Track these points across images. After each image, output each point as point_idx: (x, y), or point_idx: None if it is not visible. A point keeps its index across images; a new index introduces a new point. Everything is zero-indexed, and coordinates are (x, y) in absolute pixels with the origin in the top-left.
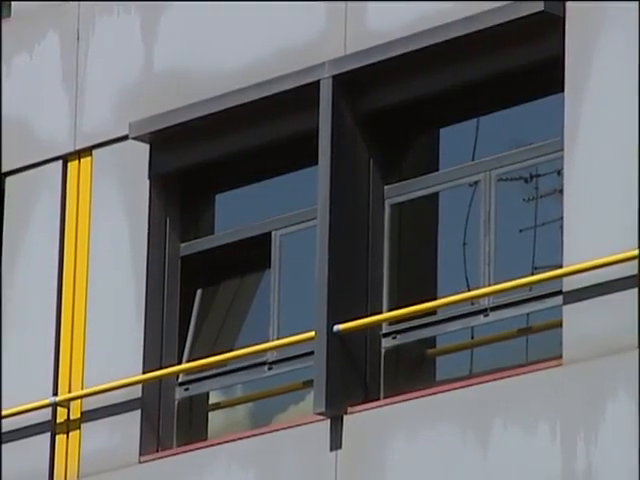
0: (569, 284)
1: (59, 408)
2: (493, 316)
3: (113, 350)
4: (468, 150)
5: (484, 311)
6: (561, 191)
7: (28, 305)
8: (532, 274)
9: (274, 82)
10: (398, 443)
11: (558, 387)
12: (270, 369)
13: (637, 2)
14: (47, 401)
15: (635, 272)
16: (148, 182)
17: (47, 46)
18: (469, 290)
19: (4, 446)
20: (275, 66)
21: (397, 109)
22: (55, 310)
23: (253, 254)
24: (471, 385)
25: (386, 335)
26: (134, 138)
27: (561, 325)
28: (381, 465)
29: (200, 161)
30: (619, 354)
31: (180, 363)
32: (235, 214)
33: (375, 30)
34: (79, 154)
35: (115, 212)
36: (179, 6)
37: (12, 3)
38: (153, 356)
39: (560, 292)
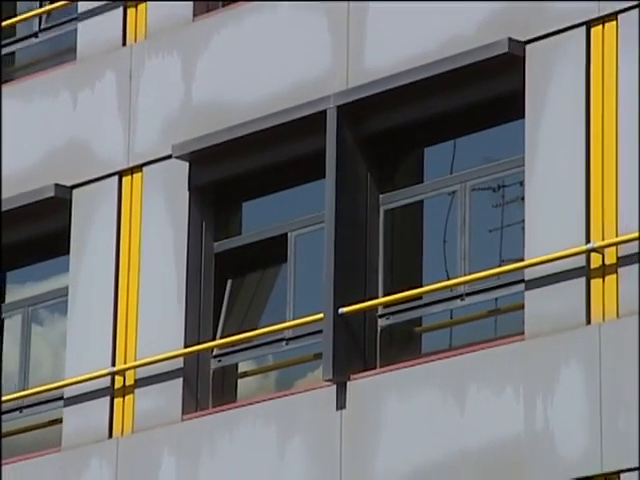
0: (529, 274)
1: (116, 377)
2: (468, 300)
3: (160, 329)
4: (447, 166)
5: (460, 296)
6: (523, 199)
7: (91, 293)
8: (499, 266)
9: (289, 111)
10: (391, 403)
11: (521, 358)
12: (287, 344)
13: (584, 46)
14: (107, 370)
15: (583, 264)
16: (188, 193)
17: (106, 82)
18: (448, 279)
19: (70, 408)
20: (290, 98)
21: (390, 132)
22: (113, 297)
23: (273, 251)
24: (450, 357)
25: (381, 316)
26: (176, 157)
27: (523, 307)
28: (377, 421)
29: (230, 175)
30: (570, 330)
31: (214, 339)
32: (258, 218)
33: (371, 68)
34: (132, 170)
35: (161, 217)
36: (211, 50)
37: (78, 47)
38: (192, 334)
39: (522, 281)
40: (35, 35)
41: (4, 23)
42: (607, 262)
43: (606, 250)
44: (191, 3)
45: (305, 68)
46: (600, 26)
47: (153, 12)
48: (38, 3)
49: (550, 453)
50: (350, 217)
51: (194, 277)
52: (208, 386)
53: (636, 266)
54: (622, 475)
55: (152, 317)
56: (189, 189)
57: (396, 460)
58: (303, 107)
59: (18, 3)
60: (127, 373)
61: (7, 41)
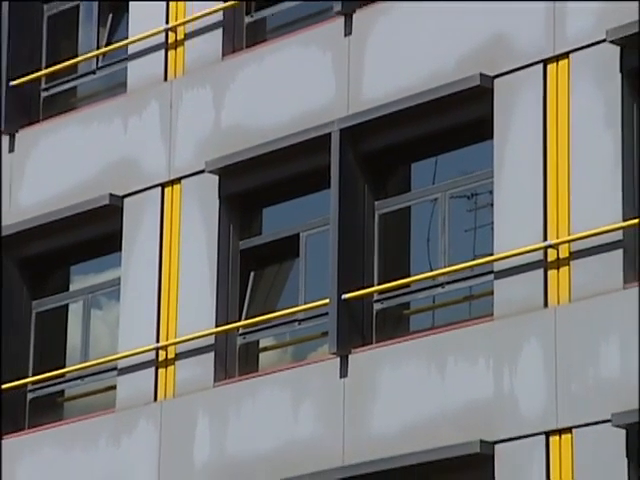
0: (498, 266)
1: (160, 351)
2: (447, 288)
3: (196, 312)
4: (430, 178)
5: (441, 284)
6: (492, 205)
7: (139, 283)
8: (473, 259)
9: (301, 133)
10: (385, 372)
11: (490, 335)
12: (299, 324)
13: (541, 79)
14: (152, 346)
15: (541, 258)
16: (218, 201)
17: (151, 111)
18: (431, 270)
19: (123, 377)
20: (302, 122)
21: (383, 151)
22: (157, 286)
23: (288, 248)
24: (433, 334)
25: (376, 301)
26: (209, 172)
27: (492, 294)
28: (373, 387)
29: (252, 186)
30: (531, 312)
31: (240, 320)
32: (276, 221)
33: (368, 98)
34: (172, 183)
35: (197, 221)
36: (237, 83)
37: (128, 82)
38: (222, 315)
39: (492, 272)
40: (93, 72)
41: (69, 62)
42: (561, 256)
43: (560, 246)
44: (220, 45)
45: (314, 97)
46: (554, 63)
47: (189, 53)
48: (96, 44)
49: (514, 413)
50: (351, 220)
51: (223, 269)
52: (235, 358)
53: (585, 260)
54: (574, 430)
55: (189, 302)
56: (219, 198)
57: (389, 418)
58: (312, 130)
59: (80, 44)
60: (169, 348)
61: (70, 77)
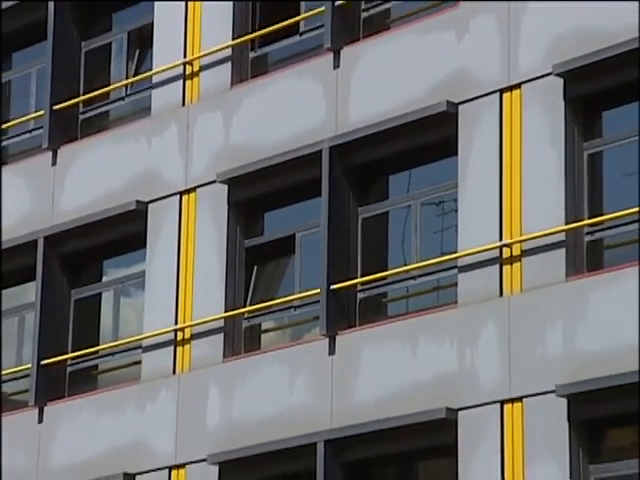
0: (461, 262)
1: (178, 332)
2: (419, 280)
3: (208, 299)
4: (405, 188)
5: (414, 277)
6: (456, 210)
7: (162, 278)
8: (440, 256)
9: (296, 150)
10: (366, 351)
11: (455, 320)
12: (295, 310)
13: (498, 106)
14: (171, 327)
15: (497, 255)
16: (227, 206)
17: (171, 131)
18: (405, 265)
19: (146, 354)
20: (297, 140)
21: (365, 165)
22: (175, 280)
23: (285, 246)
24: (406, 319)
25: (359, 291)
26: (219, 182)
27: (457, 285)
28: (357, 363)
29: (256, 194)
30: (489, 301)
31: (245, 306)
32: (275, 223)
33: (353, 120)
34: (188, 191)
35: (208, 223)
36: (243, 108)
37: (152, 107)
38: (230, 303)
39: (456, 267)
40: (122, 98)
41: (103, 90)
42: (514, 254)
43: (513, 246)
44: (229, 76)
45: (307, 120)
46: (509, 93)
47: (203, 82)
48: (125, 75)
49: (474, 385)
50: (338, 223)
51: (231, 264)
52: (241, 339)
53: (534, 257)
54: (524, 399)
55: (203, 291)
56: (228, 204)
57: (369, 389)
58: (306, 147)
59: (112, 74)
60: (185, 329)
61: (104, 102)
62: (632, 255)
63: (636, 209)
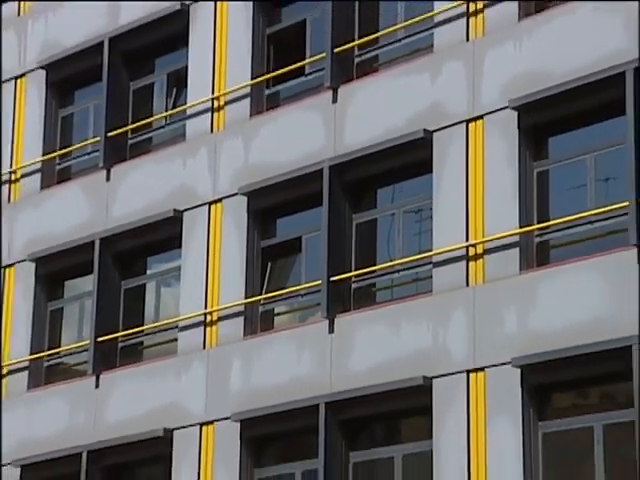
0: (435, 259)
1: (208, 315)
2: (402, 274)
3: (232, 289)
4: (390, 198)
5: (398, 271)
6: (432, 217)
7: (194, 274)
8: (419, 254)
9: (301, 169)
10: (359, 330)
11: (430, 306)
12: (302, 297)
13: (464, 133)
14: (201, 312)
15: (464, 253)
16: (246, 214)
17: (201, 154)
18: (391, 261)
19: (183, 332)
20: (302, 161)
21: (359, 181)
22: (204, 275)
23: (294, 246)
24: (391, 305)
25: (353, 282)
26: (240, 194)
27: (432, 277)
28: (351, 340)
29: (270, 204)
30: (458, 290)
31: (261, 294)
32: (285, 228)
33: (348, 145)
34: (216, 202)
35: (231, 228)
36: (261, 136)
37: (186, 133)
38: (249, 291)
39: (431, 262)
40: (163, 127)
41: (146, 120)
42: (478, 252)
43: (477, 245)
44: (248, 112)
45: (311, 144)
46: (474, 122)
47: (228, 114)
48: (165, 108)
49: (446, 358)
50: (336, 227)
51: (250, 260)
52: (258, 320)
53: (494, 254)
54: (486, 369)
55: (228, 283)
56: (247, 212)
57: (361, 362)
58: (310, 166)
59: (154, 108)
60: (213, 313)
61: (147, 130)
62: (574, 253)
63: (576, 216)
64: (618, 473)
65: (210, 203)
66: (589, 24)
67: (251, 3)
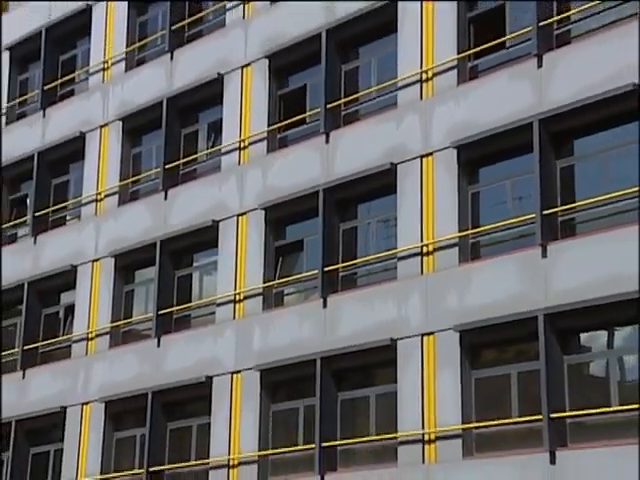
0: (400, 255)
1: (236, 296)
2: (375, 265)
3: (253, 277)
4: (367, 212)
5: (372, 264)
6: (396, 225)
7: (226, 267)
8: (387, 251)
9: (302, 191)
10: (345, 305)
11: (396, 289)
12: (304, 283)
13: (419, 165)
14: (232, 293)
15: (419, 251)
16: (264, 223)
17: (232, 180)
18: (367, 256)
19: (220, 308)
20: (302, 187)
21: (344, 199)
22: (234, 267)
23: (298, 245)
24: (368, 287)
25: (341, 271)
26: (260, 209)
27: (396, 268)
28: (339, 313)
29: (281, 216)
30: (415, 277)
31: (274, 280)
32: (292, 233)
33: (337, 173)
34: (244, 214)
35: (254, 234)
36: (274, 168)
37: (221, 165)
38: (266, 278)
39: (396, 257)
40: (204, 161)
41: (192, 157)
42: (430, 250)
43: (429, 245)
44: (265, 148)
45: (308, 173)
46: (427, 158)
47: (250, 152)
48: (206, 147)
49: (406, 325)
50: (329, 232)
51: (267, 256)
52: (272, 299)
53: (441, 252)
54: (435, 333)
55: (251, 273)
56: (265, 221)
57: (346, 328)
58: (307, 189)
59: (198, 146)
60: (241, 294)
61: (194, 164)
62: (497, 250)
63: (499, 224)
64: (528, 406)
65: (238, 215)
66: (506, 88)
67: (266, 73)
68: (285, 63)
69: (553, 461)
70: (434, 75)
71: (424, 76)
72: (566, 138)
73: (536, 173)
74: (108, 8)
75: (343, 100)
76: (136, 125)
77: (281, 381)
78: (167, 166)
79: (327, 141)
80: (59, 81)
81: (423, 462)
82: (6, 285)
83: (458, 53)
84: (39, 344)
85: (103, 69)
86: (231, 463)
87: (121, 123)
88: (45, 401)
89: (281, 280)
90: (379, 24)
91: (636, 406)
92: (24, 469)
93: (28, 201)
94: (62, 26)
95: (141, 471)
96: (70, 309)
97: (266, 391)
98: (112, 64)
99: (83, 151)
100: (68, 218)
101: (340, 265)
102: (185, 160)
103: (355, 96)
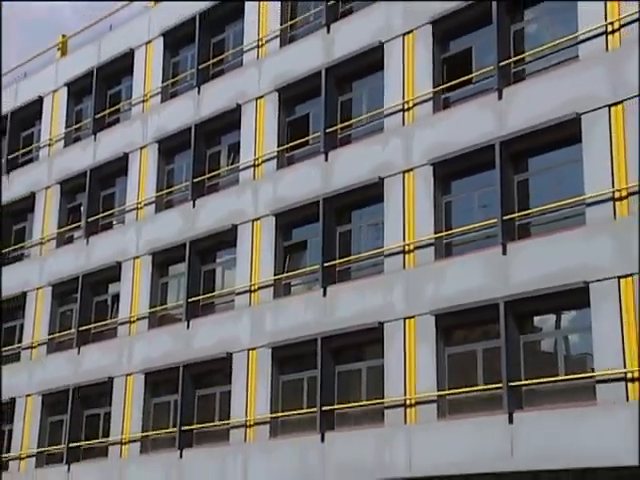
0: (386, 252)
1: (252, 286)
2: (365, 261)
3: (265, 271)
4: (360, 218)
5: (364, 260)
6: (384, 229)
7: (244, 265)
8: (376, 249)
9: (304, 201)
10: (341, 294)
11: (382, 281)
12: (307, 276)
13: (402, 181)
14: (247, 284)
15: (402, 250)
16: (274, 228)
17: (247, 193)
18: (359, 254)
19: (240, 295)
20: (305, 198)
21: (341, 208)
22: (249, 264)
23: (302, 245)
24: (359, 280)
25: (338, 266)
26: (271, 215)
27: (384, 264)
28: (337, 299)
29: (289, 221)
30: (399, 271)
31: (283, 273)
32: (298, 235)
33: (334, 188)
34: (257, 219)
35: (267, 237)
36: (280, 186)
37: (239, 179)
38: (276, 272)
39: (383, 254)
40: (227, 174)
41: (217, 172)
42: (411, 249)
43: (411, 244)
44: (274, 166)
45: (309, 187)
46: (408, 173)
47: (263, 168)
48: (227, 164)
49: (391, 310)
50: (329, 235)
51: (278, 254)
52: (281, 289)
53: (420, 250)
54: (416, 317)
55: (264, 268)
56: (275, 226)
57: (342, 313)
58: (310, 199)
59: (221, 162)
60: (255, 285)
61: (217, 178)
62: (466, 249)
63: (468, 227)
64: (491, 376)
65: (253, 220)
66: (473, 116)
67: (276, 104)
68: (292, 95)
69: (511, 421)
70: (414, 105)
71: (406, 106)
72: (522, 157)
73: (497, 185)
74: (147, 51)
75: (339, 125)
76: (169, 147)
77: (288, 356)
78: (195, 180)
79: (326, 159)
80: (107, 111)
81: (405, 423)
82: (65, 278)
83: (434, 87)
84: (91, 326)
85: (143, 101)
86: (248, 424)
87: (157, 145)
88: (96, 372)
89: (288, 273)
90: (369, 63)
91: (579, 375)
92: (80, 428)
93: (82, 209)
94: (110, 66)
95: (174, 430)
96: (116, 297)
97: (276, 365)
98: (150, 97)
99: (126, 168)
100: (114, 223)
101: (337, 261)
102: (210, 175)
103: (349, 122)
